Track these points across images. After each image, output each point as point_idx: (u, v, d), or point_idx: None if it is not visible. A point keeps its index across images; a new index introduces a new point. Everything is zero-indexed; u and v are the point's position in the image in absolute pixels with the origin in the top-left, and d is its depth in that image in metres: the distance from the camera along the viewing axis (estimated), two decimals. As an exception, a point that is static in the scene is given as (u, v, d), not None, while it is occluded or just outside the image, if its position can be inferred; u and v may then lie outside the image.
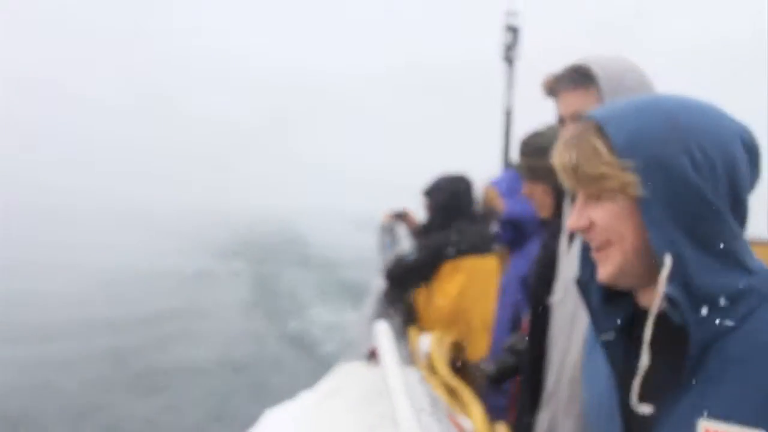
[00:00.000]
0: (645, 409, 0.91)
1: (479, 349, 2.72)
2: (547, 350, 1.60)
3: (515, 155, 2.42)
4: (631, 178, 0.88)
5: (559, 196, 1.78)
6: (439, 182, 3.23)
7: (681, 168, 0.87)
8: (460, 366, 2.58)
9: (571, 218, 0.97)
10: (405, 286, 3.25)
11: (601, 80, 1.38)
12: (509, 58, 6.90)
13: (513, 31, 6.85)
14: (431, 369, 2.27)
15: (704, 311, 0.87)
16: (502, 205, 2.65)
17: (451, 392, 2.07)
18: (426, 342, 2.44)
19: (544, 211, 2.02)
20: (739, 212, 0.91)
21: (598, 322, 1.00)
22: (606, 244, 0.93)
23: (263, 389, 6.25)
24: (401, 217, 3.88)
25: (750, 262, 0.90)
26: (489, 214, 3.05)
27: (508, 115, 6.98)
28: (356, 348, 2.73)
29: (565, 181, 0.97)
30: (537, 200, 2.06)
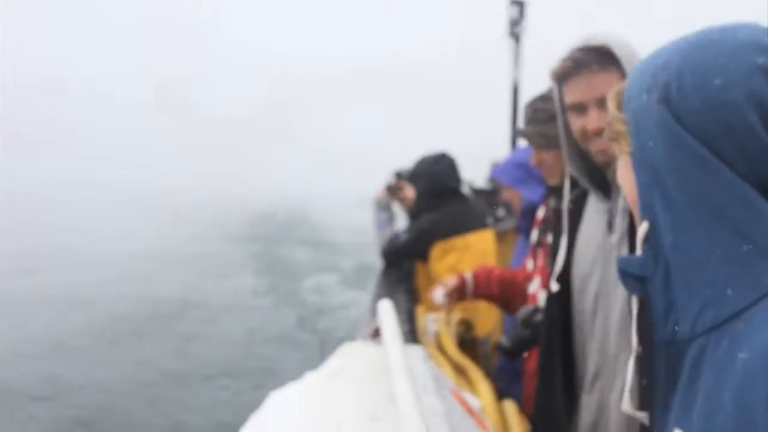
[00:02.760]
0: (639, 415, 0.82)
1: (487, 325, 2.71)
2: (575, 327, 1.50)
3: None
4: (623, 131, 0.77)
5: None
6: (420, 165, 3.18)
7: (661, 121, 0.71)
8: (469, 343, 2.57)
9: None
10: (402, 267, 3.22)
11: (623, 60, 1.33)
12: (515, 33, 6.85)
13: (519, 5, 6.80)
14: (439, 347, 2.26)
15: (681, 300, 0.70)
16: (517, 196, 2.62)
17: (459, 370, 2.06)
18: (433, 320, 2.42)
19: (554, 179, 1.97)
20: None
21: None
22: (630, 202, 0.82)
23: (273, 371, 6.29)
24: (394, 191, 3.65)
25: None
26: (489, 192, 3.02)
27: (516, 90, 6.94)
28: (362, 328, 2.73)
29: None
30: (547, 167, 2.01)
